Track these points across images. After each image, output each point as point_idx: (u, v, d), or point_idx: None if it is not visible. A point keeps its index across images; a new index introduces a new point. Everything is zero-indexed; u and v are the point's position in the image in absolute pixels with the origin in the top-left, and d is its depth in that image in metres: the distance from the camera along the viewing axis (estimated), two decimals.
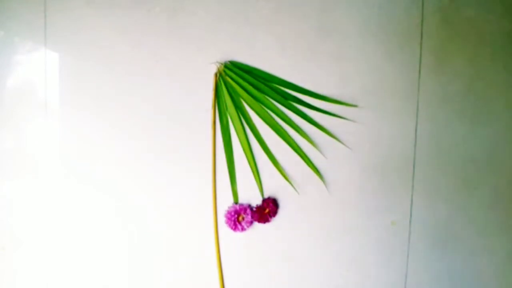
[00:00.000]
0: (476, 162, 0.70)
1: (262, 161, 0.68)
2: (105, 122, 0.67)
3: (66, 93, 0.67)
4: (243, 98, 0.67)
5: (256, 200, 0.68)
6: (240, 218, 0.67)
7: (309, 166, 0.68)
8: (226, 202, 0.68)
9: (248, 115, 0.67)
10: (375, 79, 0.68)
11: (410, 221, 0.69)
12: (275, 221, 0.68)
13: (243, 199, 0.68)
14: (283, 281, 0.69)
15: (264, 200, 0.68)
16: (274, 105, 0.67)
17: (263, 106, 0.67)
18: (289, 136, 0.68)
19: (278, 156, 0.68)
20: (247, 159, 0.67)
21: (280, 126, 0.67)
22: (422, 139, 0.69)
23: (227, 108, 0.67)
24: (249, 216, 0.67)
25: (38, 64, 0.67)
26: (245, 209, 0.67)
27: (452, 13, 0.68)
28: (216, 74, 0.67)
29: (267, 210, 0.67)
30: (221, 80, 0.67)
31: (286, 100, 0.67)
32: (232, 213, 0.67)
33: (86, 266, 0.68)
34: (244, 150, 0.67)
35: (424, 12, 0.68)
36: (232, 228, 0.67)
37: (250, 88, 0.67)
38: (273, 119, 0.67)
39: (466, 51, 0.69)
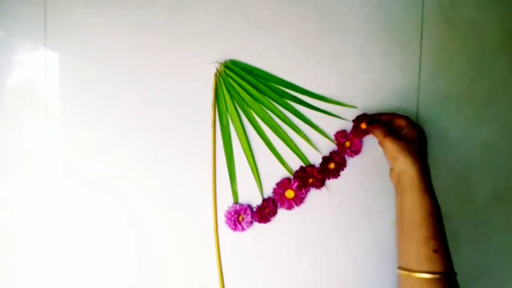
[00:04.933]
0: (476, 162, 0.70)
1: (262, 161, 0.68)
2: (105, 122, 0.67)
3: (66, 93, 0.67)
4: (243, 98, 0.67)
5: (256, 200, 0.68)
6: (240, 218, 0.67)
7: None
8: (226, 202, 0.68)
9: (251, 113, 0.67)
10: (375, 79, 0.68)
11: None
12: (275, 221, 0.68)
13: (243, 199, 0.68)
14: (283, 281, 0.69)
15: (264, 200, 0.68)
16: (274, 105, 0.67)
17: (262, 106, 0.67)
18: (288, 136, 0.68)
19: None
20: (247, 159, 0.67)
21: (279, 126, 0.67)
22: None
23: (227, 108, 0.67)
24: (249, 216, 0.67)
25: (38, 64, 0.67)
26: (245, 209, 0.67)
27: (453, 13, 0.68)
28: (216, 74, 0.67)
29: (267, 210, 0.67)
30: (221, 80, 0.67)
31: (286, 100, 0.67)
32: (232, 213, 0.67)
33: (86, 266, 0.68)
34: (244, 150, 0.67)
35: (424, 12, 0.68)
36: (232, 228, 0.67)
37: (250, 88, 0.67)
38: (273, 119, 0.67)
39: (466, 51, 0.69)
